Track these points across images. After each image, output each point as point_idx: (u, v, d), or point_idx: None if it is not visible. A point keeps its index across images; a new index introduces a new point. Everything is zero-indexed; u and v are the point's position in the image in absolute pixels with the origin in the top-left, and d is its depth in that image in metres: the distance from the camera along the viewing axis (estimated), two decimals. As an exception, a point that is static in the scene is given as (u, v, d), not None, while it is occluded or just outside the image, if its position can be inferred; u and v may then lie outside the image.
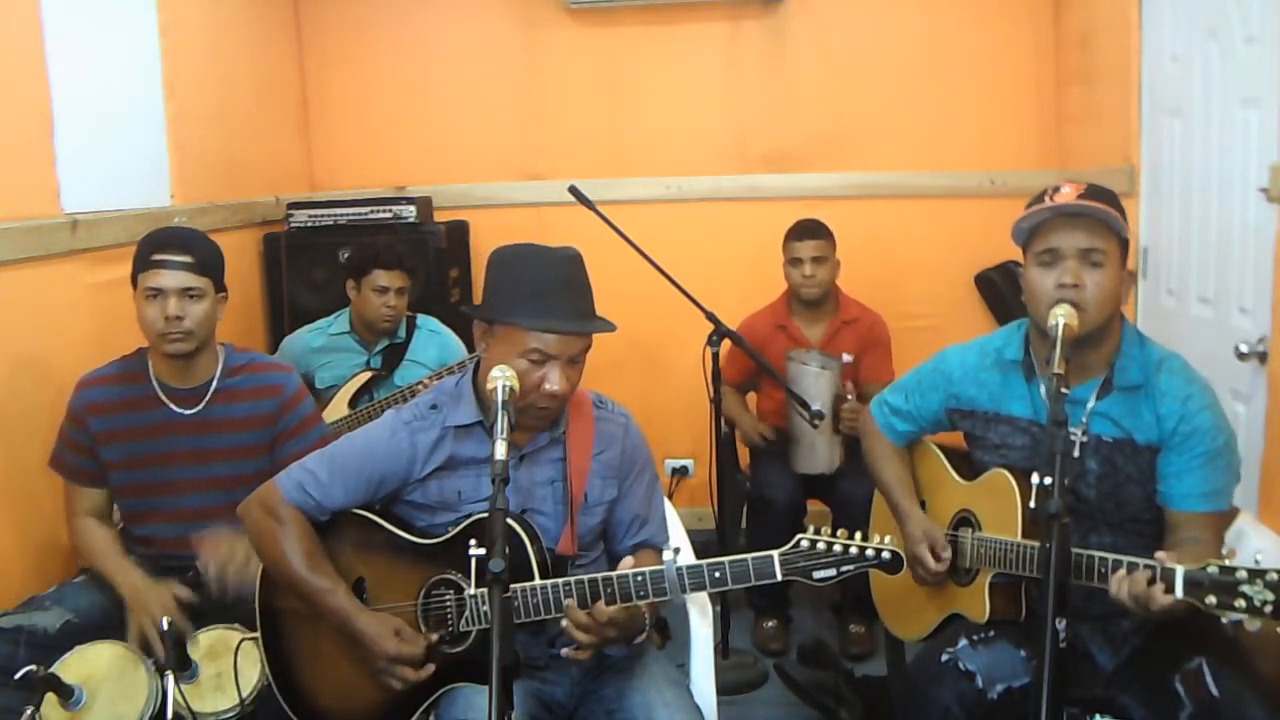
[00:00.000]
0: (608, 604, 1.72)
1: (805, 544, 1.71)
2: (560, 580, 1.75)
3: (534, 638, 1.84)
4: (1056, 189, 1.85)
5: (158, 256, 2.19)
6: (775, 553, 1.71)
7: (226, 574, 2.12)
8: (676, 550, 1.74)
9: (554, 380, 1.79)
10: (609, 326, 1.87)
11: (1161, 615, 1.60)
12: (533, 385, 1.78)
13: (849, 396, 3.14)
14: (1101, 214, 1.79)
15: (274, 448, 2.30)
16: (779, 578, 1.71)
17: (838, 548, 1.71)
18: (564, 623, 1.73)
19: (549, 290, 1.81)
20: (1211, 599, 1.51)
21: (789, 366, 3.15)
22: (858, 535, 1.73)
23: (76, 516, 2.30)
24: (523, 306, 1.80)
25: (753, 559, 1.72)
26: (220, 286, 2.28)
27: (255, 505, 1.91)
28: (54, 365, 2.45)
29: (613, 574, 1.75)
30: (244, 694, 1.98)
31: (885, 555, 1.71)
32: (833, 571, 1.70)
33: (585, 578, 1.75)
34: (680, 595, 1.73)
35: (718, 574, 1.72)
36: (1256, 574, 1.48)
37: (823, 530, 1.73)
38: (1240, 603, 1.49)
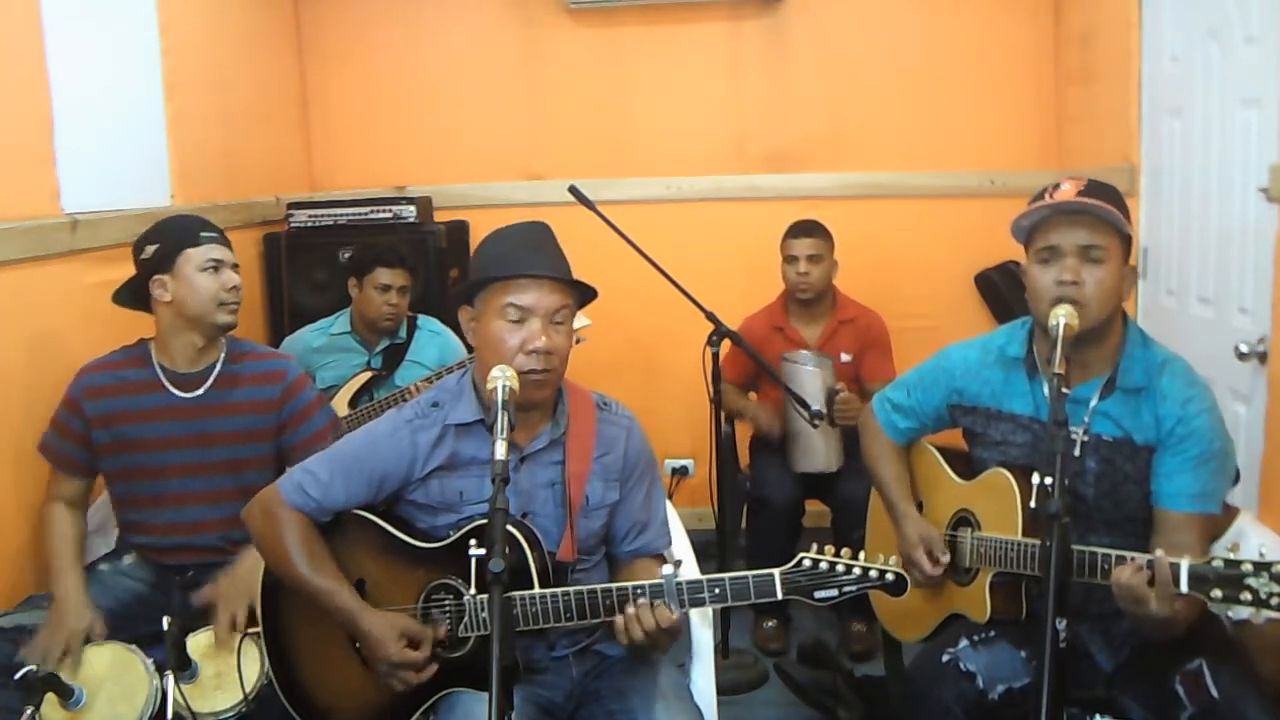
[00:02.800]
0: (606, 615, 1.73)
1: (808, 563, 1.70)
2: (559, 590, 1.74)
3: (534, 640, 1.84)
4: (1057, 186, 1.85)
5: (206, 233, 2.31)
6: (776, 571, 1.70)
7: (234, 615, 2.07)
8: (678, 563, 1.74)
9: (536, 335, 1.77)
10: (588, 287, 1.87)
11: (1153, 622, 1.60)
12: (516, 348, 1.78)
13: (839, 390, 3.13)
14: (1102, 211, 1.79)
15: (280, 434, 2.33)
16: (779, 596, 1.71)
17: (840, 568, 1.69)
18: (630, 610, 1.71)
19: (515, 250, 1.83)
20: (1217, 592, 1.51)
21: (784, 368, 3.15)
22: (861, 555, 1.71)
23: (50, 500, 2.31)
24: (490, 267, 1.83)
25: (753, 576, 1.71)
26: None
27: (257, 509, 1.91)
28: (54, 365, 2.45)
29: (612, 586, 1.74)
30: (247, 691, 1.98)
31: (889, 577, 1.70)
32: (834, 592, 1.70)
33: (584, 589, 1.74)
34: (679, 610, 1.72)
35: (717, 590, 1.71)
36: (1262, 566, 1.48)
37: (826, 549, 1.71)
38: (1246, 595, 1.49)
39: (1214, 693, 1.68)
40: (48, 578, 2.20)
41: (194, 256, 2.26)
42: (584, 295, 1.89)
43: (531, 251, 1.83)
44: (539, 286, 1.80)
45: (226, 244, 2.34)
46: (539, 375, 1.80)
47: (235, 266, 2.33)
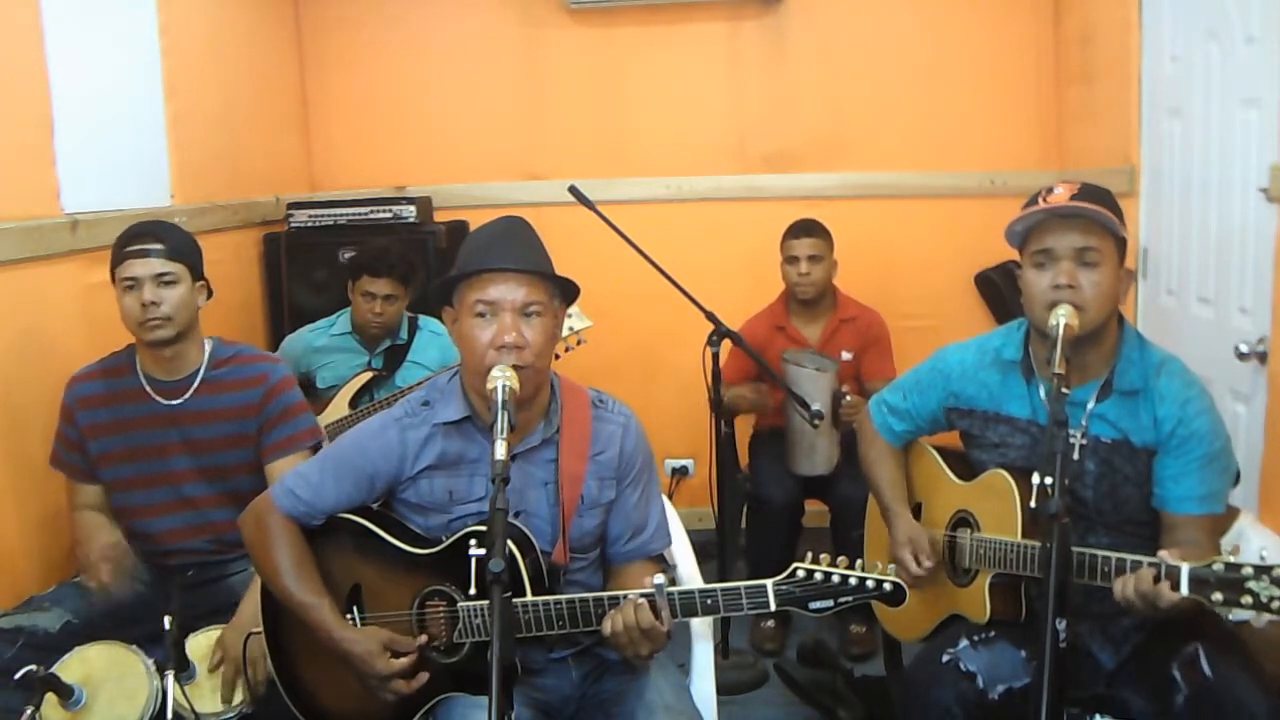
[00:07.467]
0: (598, 624, 1.70)
1: (801, 574, 1.66)
2: (551, 598, 1.72)
3: (532, 643, 1.81)
4: (1050, 189, 1.85)
5: (130, 248, 2.20)
6: (769, 582, 1.67)
7: (230, 674, 2.04)
8: (672, 571, 1.71)
9: (506, 329, 1.73)
10: (564, 279, 1.83)
11: (1169, 613, 1.60)
12: (487, 344, 1.74)
13: (846, 394, 3.13)
14: (1095, 214, 1.79)
15: (260, 435, 2.29)
16: (773, 608, 1.68)
17: (836, 578, 1.66)
18: (614, 609, 1.69)
19: (485, 247, 1.81)
20: (1218, 595, 1.51)
21: (785, 368, 3.15)
22: (859, 563, 1.68)
23: (76, 510, 2.31)
24: (460, 265, 1.81)
25: (745, 588, 1.68)
26: (198, 275, 2.28)
27: (250, 516, 1.91)
28: (54, 365, 2.45)
29: (604, 594, 1.73)
30: (250, 691, 1.98)
31: (887, 587, 1.66)
32: (830, 603, 1.66)
33: (576, 598, 1.72)
34: (668, 623, 1.69)
35: (709, 601, 1.69)
36: (1263, 570, 1.48)
37: (821, 557, 1.68)
38: (1247, 599, 1.48)
39: (1208, 674, 1.68)
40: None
41: (119, 275, 2.20)
42: (564, 289, 1.85)
43: (500, 246, 1.80)
44: (505, 280, 1.76)
45: (154, 254, 2.18)
46: (519, 375, 1.76)
47: (160, 276, 2.18)
